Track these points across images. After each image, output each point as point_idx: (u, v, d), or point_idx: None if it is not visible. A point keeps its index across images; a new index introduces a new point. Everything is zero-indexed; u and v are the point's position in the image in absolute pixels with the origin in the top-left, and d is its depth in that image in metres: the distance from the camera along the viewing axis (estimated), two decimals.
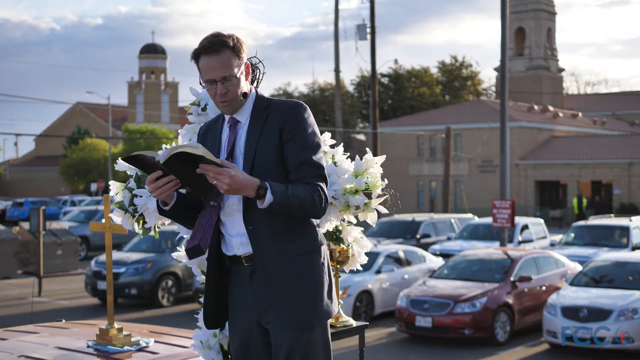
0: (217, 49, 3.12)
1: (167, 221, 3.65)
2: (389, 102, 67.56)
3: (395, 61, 45.70)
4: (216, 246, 3.18)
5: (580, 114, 60.67)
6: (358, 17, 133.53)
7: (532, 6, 67.95)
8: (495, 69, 68.94)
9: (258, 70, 3.53)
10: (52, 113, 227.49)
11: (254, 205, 3.02)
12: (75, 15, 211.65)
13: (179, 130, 3.73)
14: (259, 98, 3.24)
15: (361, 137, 62.21)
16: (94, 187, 51.06)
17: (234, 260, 3.17)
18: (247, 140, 3.15)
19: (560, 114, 56.45)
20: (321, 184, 3.08)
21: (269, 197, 2.94)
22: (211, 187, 2.98)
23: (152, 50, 75.35)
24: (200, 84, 3.26)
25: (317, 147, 3.15)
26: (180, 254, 3.65)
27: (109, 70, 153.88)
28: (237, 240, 3.13)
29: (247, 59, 3.32)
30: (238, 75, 3.14)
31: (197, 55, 3.17)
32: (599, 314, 11.81)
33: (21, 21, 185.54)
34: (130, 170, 3.70)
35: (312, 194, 3.03)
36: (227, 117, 3.23)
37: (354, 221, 3.74)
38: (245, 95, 3.20)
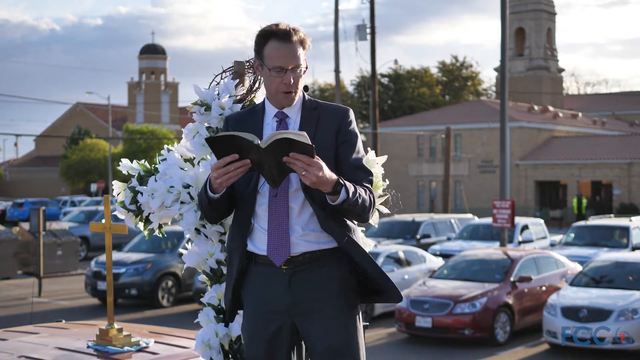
0: (292, 38, 3.06)
1: (169, 220, 3.65)
2: (389, 102, 67.59)
3: (395, 61, 45.73)
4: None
5: (580, 114, 60.68)
6: (358, 18, 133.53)
7: (532, 6, 67.97)
8: (495, 69, 68.95)
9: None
10: (52, 113, 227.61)
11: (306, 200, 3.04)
12: (75, 15, 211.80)
13: (183, 129, 3.73)
14: (306, 98, 3.22)
15: (361, 137, 62.21)
16: (94, 187, 51.08)
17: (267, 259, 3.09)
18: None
19: (560, 114, 56.46)
20: (372, 189, 3.11)
21: (342, 194, 2.91)
22: (283, 179, 2.92)
23: (152, 51, 75.34)
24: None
25: (363, 152, 3.20)
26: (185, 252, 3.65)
27: (109, 70, 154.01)
28: None
29: (249, 60, 3.32)
30: (304, 69, 3.13)
31: (267, 37, 3.08)
32: (599, 314, 11.81)
33: (21, 22, 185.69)
34: (132, 170, 3.70)
35: (371, 197, 3.05)
36: (271, 110, 3.15)
37: (356, 221, 3.74)
38: (306, 88, 3.20)
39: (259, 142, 2.83)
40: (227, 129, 3.19)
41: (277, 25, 3.08)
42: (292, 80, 3.07)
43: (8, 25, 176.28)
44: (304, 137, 2.79)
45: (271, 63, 3.07)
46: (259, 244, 3.11)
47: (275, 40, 3.06)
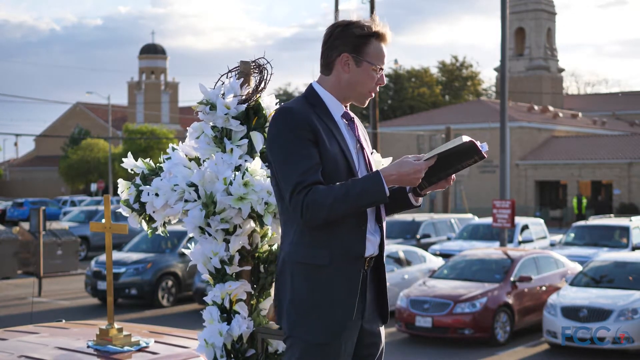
0: (389, 41, 3.11)
1: (174, 219, 3.65)
2: (389, 102, 67.58)
3: (395, 61, 45.77)
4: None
5: (580, 114, 60.68)
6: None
7: (532, 6, 67.98)
8: (495, 69, 68.96)
9: (266, 71, 3.51)
10: (52, 113, 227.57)
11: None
12: (75, 15, 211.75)
13: (188, 128, 3.73)
14: None
15: None
16: (94, 187, 51.07)
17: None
18: (363, 139, 3.15)
19: (560, 114, 56.46)
20: None
21: (421, 199, 3.09)
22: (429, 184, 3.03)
23: (152, 51, 75.36)
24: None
25: None
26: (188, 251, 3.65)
27: (109, 70, 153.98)
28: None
29: (255, 60, 3.32)
30: None
31: (371, 36, 3.06)
32: (599, 314, 11.81)
33: (21, 22, 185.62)
34: (136, 168, 3.70)
35: None
36: (337, 109, 3.11)
37: None
38: None
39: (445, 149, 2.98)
40: (308, 127, 2.97)
41: (377, 25, 3.07)
42: (382, 81, 3.11)
43: (8, 25, 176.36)
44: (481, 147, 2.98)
45: (375, 60, 3.06)
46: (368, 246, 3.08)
47: (379, 40, 3.07)
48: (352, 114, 3.14)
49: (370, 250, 3.04)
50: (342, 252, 2.96)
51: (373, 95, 3.15)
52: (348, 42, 3.05)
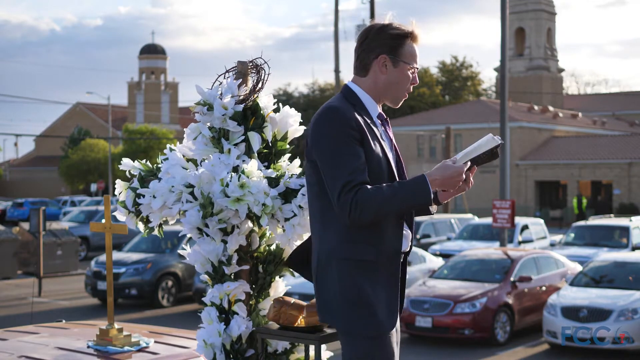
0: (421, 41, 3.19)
1: (172, 220, 3.65)
2: None
3: None
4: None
5: (580, 114, 60.68)
6: (357, 18, 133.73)
7: (532, 6, 67.99)
8: (495, 69, 68.96)
9: (263, 71, 3.51)
10: (52, 113, 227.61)
11: None
12: (75, 16, 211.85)
13: (185, 129, 3.73)
14: None
15: None
16: (94, 187, 51.08)
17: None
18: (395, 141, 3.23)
19: (560, 114, 56.47)
20: None
21: (436, 207, 3.20)
22: None
23: (152, 51, 75.41)
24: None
25: None
26: (186, 251, 3.66)
27: (109, 70, 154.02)
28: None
29: (252, 60, 3.33)
30: None
31: (407, 37, 3.13)
32: (599, 314, 11.81)
33: (21, 22, 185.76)
34: (134, 169, 3.70)
35: None
36: (374, 110, 3.16)
37: None
38: None
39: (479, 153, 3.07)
40: (355, 127, 3.02)
41: (413, 25, 3.15)
42: (416, 81, 3.17)
43: (8, 25, 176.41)
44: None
45: (411, 61, 3.13)
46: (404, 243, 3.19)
47: (413, 41, 3.15)
48: (385, 115, 3.20)
49: (405, 245, 3.16)
50: (386, 248, 3.05)
51: (407, 96, 3.21)
52: (385, 43, 3.11)
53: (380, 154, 3.05)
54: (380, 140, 3.08)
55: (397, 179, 3.10)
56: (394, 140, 3.20)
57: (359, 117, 3.04)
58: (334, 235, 3.04)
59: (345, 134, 2.97)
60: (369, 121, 3.08)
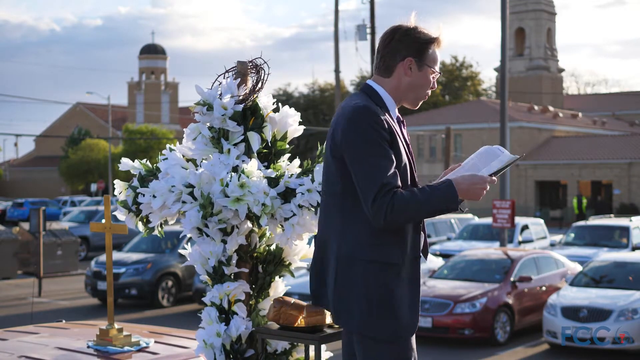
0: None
1: (172, 220, 3.65)
2: None
3: None
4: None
5: (580, 114, 60.68)
6: (357, 18, 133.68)
7: (532, 6, 67.97)
8: (495, 69, 68.95)
9: (263, 71, 3.51)
10: (52, 113, 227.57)
11: None
12: (75, 16, 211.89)
13: (185, 130, 3.73)
14: None
15: None
16: (94, 187, 51.06)
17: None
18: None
19: (560, 114, 56.47)
20: None
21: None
22: None
23: (152, 51, 75.39)
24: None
25: None
26: (186, 251, 3.66)
27: (109, 70, 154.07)
28: None
29: (252, 60, 3.33)
30: None
31: (432, 41, 3.16)
32: (599, 314, 11.81)
33: (21, 22, 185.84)
34: (133, 169, 3.70)
35: None
36: (394, 112, 3.18)
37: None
38: None
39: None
40: (387, 128, 3.04)
41: (438, 31, 3.17)
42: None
43: (8, 25, 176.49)
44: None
45: (434, 65, 3.17)
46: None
47: (437, 45, 3.17)
48: (401, 117, 3.22)
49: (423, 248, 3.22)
50: (409, 251, 3.06)
51: (426, 98, 3.25)
52: (412, 46, 3.13)
53: (406, 158, 3.06)
54: (404, 143, 3.10)
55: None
56: (409, 143, 3.21)
57: (390, 123, 3.06)
58: (358, 236, 3.02)
59: (380, 135, 2.97)
60: (392, 123, 3.09)
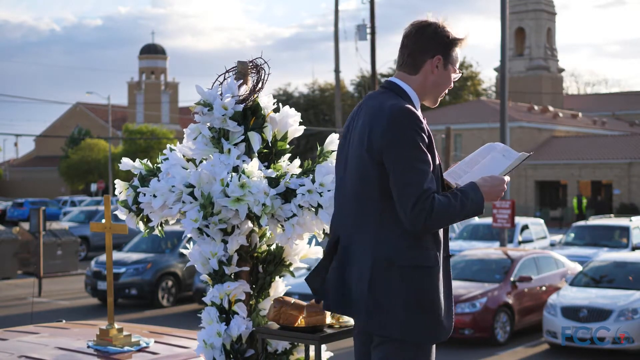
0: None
1: (172, 220, 3.65)
2: None
3: (396, 62, 45.69)
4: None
5: (580, 114, 60.67)
6: (357, 18, 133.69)
7: (532, 6, 67.96)
8: (495, 69, 68.93)
9: (263, 71, 3.51)
10: (52, 113, 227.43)
11: None
12: (75, 16, 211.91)
13: (185, 130, 3.72)
14: None
15: None
16: (94, 187, 51.04)
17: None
18: None
19: (560, 114, 56.45)
20: None
21: None
22: None
23: (152, 51, 75.36)
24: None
25: None
26: (189, 251, 3.65)
27: (109, 70, 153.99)
28: None
29: (252, 60, 3.33)
30: None
31: (457, 42, 3.16)
32: (599, 314, 11.81)
33: (21, 22, 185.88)
34: (134, 169, 3.70)
35: None
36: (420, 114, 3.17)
37: None
38: None
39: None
40: (428, 136, 3.02)
41: (464, 32, 3.18)
42: None
43: (8, 25, 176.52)
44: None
45: (457, 65, 3.17)
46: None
47: (459, 46, 3.17)
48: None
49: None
50: (441, 253, 3.06)
51: (442, 97, 3.25)
52: (441, 44, 3.12)
53: (437, 161, 3.05)
54: (435, 145, 3.09)
55: None
56: None
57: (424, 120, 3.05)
58: (396, 240, 2.98)
59: (421, 138, 2.94)
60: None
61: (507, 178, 3.11)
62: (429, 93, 3.16)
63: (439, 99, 3.21)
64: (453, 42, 3.13)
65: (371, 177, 3.00)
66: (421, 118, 2.99)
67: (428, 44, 3.10)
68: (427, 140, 2.97)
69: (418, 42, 3.11)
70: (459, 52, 3.16)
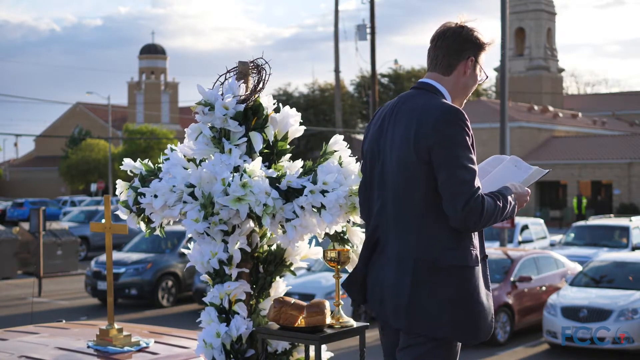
0: None
1: (173, 220, 3.65)
2: None
3: (395, 61, 45.82)
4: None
5: (580, 114, 60.67)
6: (356, 18, 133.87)
7: (532, 6, 67.97)
8: (495, 69, 68.92)
9: (264, 71, 3.51)
10: (52, 113, 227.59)
11: None
12: (75, 16, 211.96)
13: (186, 130, 3.72)
14: None
15: (361, 137, 62.18)
16: (94, 187, 51.03)
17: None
18: None
19: (560, 114, 56.46)
20: None
21: None
22: None
23: (152, 51, 75.35)
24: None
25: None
26: (188, 251, 3.66)
27: (109, 70, 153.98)
28: None
29: (253, 60, 3.33)
30: None
31: (488, 45, 3.20)
32: (599, 314, 11.81)
33: (21, 22, 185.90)
34: (135, 169, 3.70)
35: None
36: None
37: (359, 222, 3.73)
38: None
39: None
40: (472, 137, 3.06)
41: (493, 35, 3.23)
42: None
43: (8, 25, 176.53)
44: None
45: (484, 67, 3.21)
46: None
47: (486, 51, 3.21)
48: None
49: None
50: (479, 253, 3.09)
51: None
52: (475, 46, 3.16)
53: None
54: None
55: None
56: None
57: None
58: (440, 241, 3.00)
59: (470, 139, 2.99)
60: None
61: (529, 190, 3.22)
62: (460, 95, 3.19)
63: (464, 102, 3.24)
64: (484, 45, 3.17)
65: (416, 178, 3.01)
66: (467, 118, 3.02)
67: (465, 45, 3.14)
68: (471, 140, 3.01)
69: (454, 43, 3.14)
70: (484, 58, 3.20)
